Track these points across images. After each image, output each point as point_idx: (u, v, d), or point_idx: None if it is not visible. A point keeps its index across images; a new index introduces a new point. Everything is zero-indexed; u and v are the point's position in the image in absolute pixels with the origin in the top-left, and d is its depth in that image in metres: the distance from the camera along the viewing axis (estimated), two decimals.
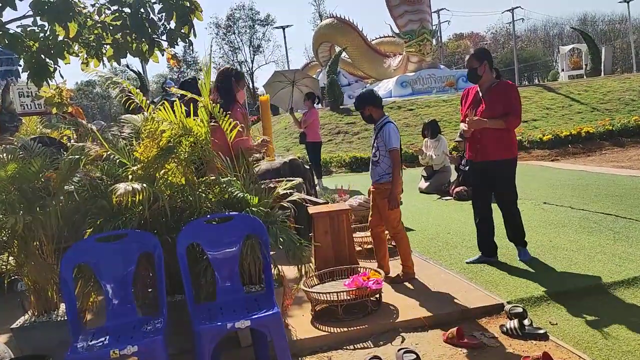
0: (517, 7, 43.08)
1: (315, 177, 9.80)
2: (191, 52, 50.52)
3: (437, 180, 8.26)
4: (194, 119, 3.33)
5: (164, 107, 3.13)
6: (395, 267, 4.40)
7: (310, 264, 3.91)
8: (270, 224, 3.23)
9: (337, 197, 7.30)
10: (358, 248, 5.15)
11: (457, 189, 7.55)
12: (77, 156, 2.96)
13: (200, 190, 3.28)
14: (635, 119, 12.47)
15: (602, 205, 6.07)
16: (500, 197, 4.43)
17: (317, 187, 9.40)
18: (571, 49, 30.13)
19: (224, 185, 3.22)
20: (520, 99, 4.25)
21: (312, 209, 4.70)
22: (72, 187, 2.96)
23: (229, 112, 3.64)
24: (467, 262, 4.49)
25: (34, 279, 2.96)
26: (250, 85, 51.18)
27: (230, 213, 3.13)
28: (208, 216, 3.10)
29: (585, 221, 5.43)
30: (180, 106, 3.16)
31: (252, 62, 52.86)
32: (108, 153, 3.09)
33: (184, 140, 3.26)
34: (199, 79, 4.07)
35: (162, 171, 3.21)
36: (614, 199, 6.36)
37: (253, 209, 3.22)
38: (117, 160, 3.10)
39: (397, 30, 22.44)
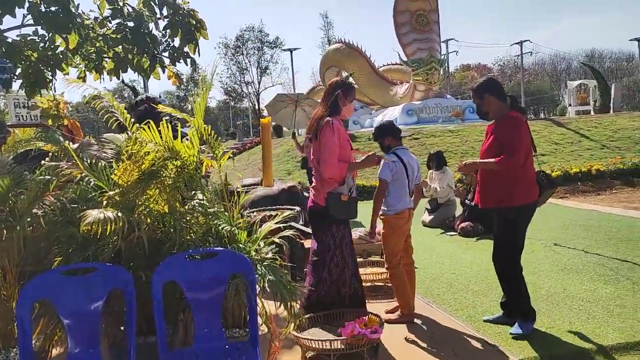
0: (525, 41, 43.14)
1: None
2: (198, 71, 50.78)
3: (442, 214, 7.93)
4: (183, 141, 3.05)
5: (149, 127, 2.84)
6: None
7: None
8: (258, 262, 2.91)
9: None
10: None
11: (463, 225, 7.21)
12: (47, 177, 2.66)
13: (185, 220, 2.97)
14: None
15: (617, 250, 5.72)
16: (494, 251, 3.76)
17: None
18: (579, 85, 30.02)
19: (210, 217, 2.92)
20: (521, 135, 3.50)
21: (307, 243, 4.38)
22: (40, 211, 2.65)
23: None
24: (484, 320, 3.89)
25: None
26: (256, 107, 51.32)
27: (215, 249, 2.82)
28: (190, 251, 2.78)
29: (601, 267, 5.08)
30: (167, 127, 2.87)
31: (259, 83, 53.03)
32: (83, 174, 2.79)
33: (170, 164, 2.96)
34: (159, 99, 3.80)
35: (144, 197, 2.90)
36: (629, 243, 6.01)
37: (240, 245, 2.91)
38: (93, 184, 2.79)
39: (405, 58, 22.37)
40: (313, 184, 3.76)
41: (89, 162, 2.81)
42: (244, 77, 52.99)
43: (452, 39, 44.31)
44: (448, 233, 7.44)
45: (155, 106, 4.11)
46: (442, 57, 27.10)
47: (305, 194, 7.01)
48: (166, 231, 2.89)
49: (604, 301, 4.14)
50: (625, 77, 52.10)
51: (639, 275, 4.74)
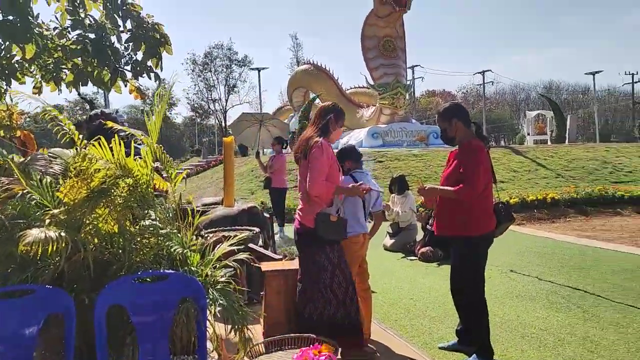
0: (487, 70, 44.48)
1: (277, 225, 9.40)
2: (165, 86, 50.19)
3: (403, 238, 7.97)
4: (136, 159, 2.95)
5: (99, 144, 2.74)
6: None
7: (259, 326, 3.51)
8: (210, 286, 2.82)
9: (296, 249, 6.91)
10: None
11: (423, 250, 7.25)
12: None
13: (135, 241, 2.85)
14: (599, 188, 12.62)
15: (570, 278, 5.85)
16: (452, 282, 3.69)
17: (278, 236, 8.99)
18: (537, 115, 31.09)
19: (162, 238, 2.82)
20: (481, 165, 3.44)
21: (264, 266, 4.29)
22: None
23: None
24: (440, 347, 3.88)
25: None
26: (223, 124, 50.95)
27: (166, 271, 2.71)
28: (139, 273, 2.67)
29: (554, 295, 5.17)
30: (120, 143, 2.77)
31: (227, 101, 52.79)
32: (25, 191, 2.65)
33: (122, 182, 2.85)
34: (118, 114, 3.71)
35: (92, 216, 2.78)
36: (581, 271, 6.15)
37: (193, 267, 2.82)
38: (35, 201, 2.66)
39: (372, 82, 22.73)
40: (300, 207, 3.72)
41: (34, 177, 2.67)
42: (211, 94, 52.66)
43: (418, 66, 45.31)
44: (408, 257, 7.47)
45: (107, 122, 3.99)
46: (408, 82, 27.64)
47: (266, 214, 6.93)
48: (114, 252, 2.76)
49: (556, 329, 4.19)
50: (580, 109, 54.33)
51: (589, 304, 4.84)
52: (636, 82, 46.06)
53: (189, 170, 26.99)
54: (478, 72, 44.75)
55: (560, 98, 56.74)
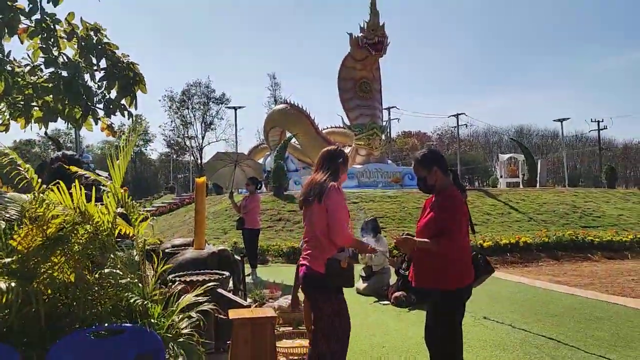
0: (461, 114, 45.72)
1: (249, 266, 9.21)
2: (141, 122, 49.98)
3: (376, 281, 7.87)
4: (98, 205, 2.84)
5: (58, 188, 2.63)
6: None
7: None
8: (171, 340, 2.68)
9: (267, 293, 6.75)
10: (283, 359, 4.57)
11: (396, 294, 7.15)
12: None
13: (92, 291, 2.71)
14: (570, 233, 12.80)
15: (543, 326, 5.80)
16: (427, 333, 3.54)
17: (250, 278, 8.81)
18: (509, 158, 31.78)
19: (121, 288, 2.69)
20: (460, 217, 3.35)
21: (232, 313, 4.14)
22: None
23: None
24: None
25: None
26: (198, 161, 50.70)
27: (123, 325, 2.57)
28: (94, 327, 2.52)
29: (527, 345, 5.11)
30: (80, 188, 2.67)
31: (203, 138, 52.79)
32: None
33: (81, 228, 2.74)
34: (83, 155, 3.61)
35: (47, 265, 2.64)
36: (553, 319, 6.13)
37: (153, 320, 2.68)
38: None
39: (348, 122, 23.02)
40: (308, 251, 3.49)
41: None
42: (187, 131, 52.65)
43: (394, 107, 46.29)
44: (381, 302, 7.36)
45: (75, 164, 3.87)
46: (384, 123, 28.10)
47: (237, 257, 6.78)
48: (69, 304, 2.62)
49: None
50: (550, 153, 55.89)
51: (562, 355, 4.79)
52: (602, 129, 47.73)
53: (163, 208, 26.59)
54: (452, 115, 45.93)
55: (531, 142, 58.38)
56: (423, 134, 66.74)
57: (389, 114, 45.18)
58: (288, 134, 24.51)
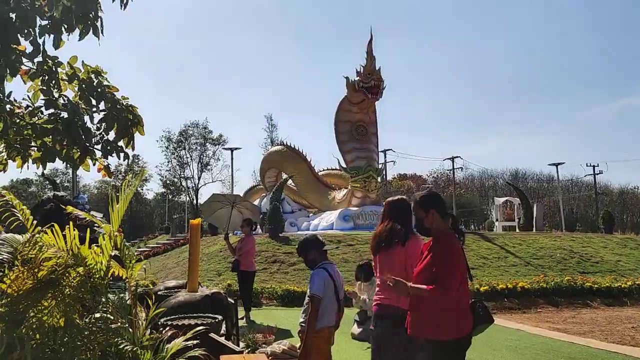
0: (457, 157, 46.01)
1: (243, 309, 9.06)
2: (138, 162, 50.26)
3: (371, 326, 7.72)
4: (93, 247, 2.82)
5: (52, 230, 2.61)
6: None
7: None
8: None
9: (260, 338, 6.62)
10: None
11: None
12: None
13: (81, 336, 2.65)
14: (568, 279, 12.69)
15: None
16: None
17: (244, 321, 8.65)
18: (505, 201, 31.85)
19: (111, 334, 2.63)
20: (457, 264, 3.25)
21: (224, 359, 4.04)
22: None
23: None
24: None
25: None
26: (194, 202, 50.61)
27: None
28: None
29: None
30: (73, 230, 2.65)
31: (199, 178, 52.89)
32: None
33: (73, 271, 2.70)
34: (79, 196, 3.59)
35: (37, 309, 2.59)
36: None
37: None
38: None
39: (344, 165, 23.12)
40: (381, 295, 3.74)
41: None
42: (184, 171, 52.81)
43: (390, 149, 46.61)
44: None
45: (63, 206, 3.86)
46: (380, 166, 28.27)
47: (230, 300, 6.67)
48: (57, 349, 2.55)
49: None
50: (546, 197, 56.07)
51: None
52: (597, 174, 48.12)
53: (157, 248, 26.35)
54: (448, 158, 46.20)
55: (527, 185, 58.65)
56: (419, 176, 67.09)
57: (385, 156, 45.51)
58: (284, 176, 24.60)
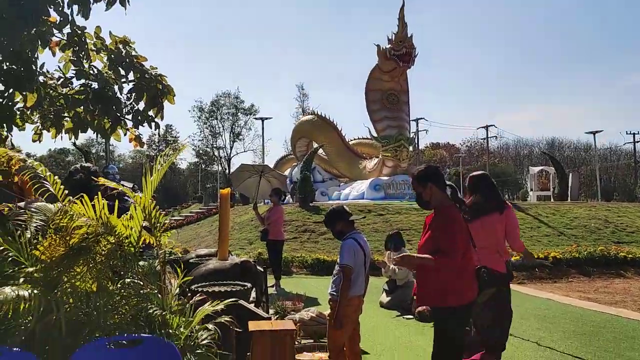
0: (491, 125, 45.16)
1: (273, 277, 9.24)
2: (171, 132, 51.02)
3: (400, 295, 7.78)
4: (122, 217, 2.90)
5: (81, 200, 2.70)
6: None
7: None
8: (189, 351, 2.70)
9: (289, 305, 6.75)
10: None
11: (420, 309, 7.02)
12: None
13: (113, 301, 2.76)
14: (601, 249, 12.42)
15: (570, 345, 5.64)
16: (433, 350, 3.51)
17: (273, 289, 8.82)
18: (540, 171, 31.19)
19: (141, 299, 2.73)
20: (458, 233, 3.33)
21: (252, 325, 4.15)
22: None
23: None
24: None
25: None
26: (226, 171, 51.24)
27: (141, 335, 2.60)
28: (114, 336, 2.56)
29: None
30: (102, 200, 2.73)
31: (231, 148, 53.42)
32: (1, 247, 2.59)
33: (103, 240, 2.79)
34: (109, 170, 3.70)
35: (70, 274, 2.70)
36: (582, 338, 5.94)
37: (170, 331, 2.71)
38: (10, 258, 2.59)
39: (375, 134, 22.97)
40: (490, 257, 4.27)
41: (13, 232, 2.61)
42: (216, 141, 53.36)
43: (422, 118, 45.96)
44: (405, 316, 7.27)
45: (94, 176, 3.97)
46: (412, 135, 27.94)
47: (260, 268, 6.79)
48: (90, 313, 2.67)
49: None
50: (583, 166, 54.51)
51: None
52: (637, 142, 46.43)
53: (190, 217, 26.95)
54: (482, 127, 45.33)
55: (563, 155, 57.06)
56: (451, 145, 66.08)
57: (417, 125, 44.92)
58: (315, 145, 24.60)
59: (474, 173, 4.95)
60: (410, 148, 24.35)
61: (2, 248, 2.56)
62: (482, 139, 52.05)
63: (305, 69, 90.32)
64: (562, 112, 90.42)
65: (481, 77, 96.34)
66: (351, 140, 26.98)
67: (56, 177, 2.85)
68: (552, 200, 25.79)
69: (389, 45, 21.92)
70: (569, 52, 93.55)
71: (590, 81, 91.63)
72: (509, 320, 4.49)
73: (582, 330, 6.34)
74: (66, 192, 2.87)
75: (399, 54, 21.64)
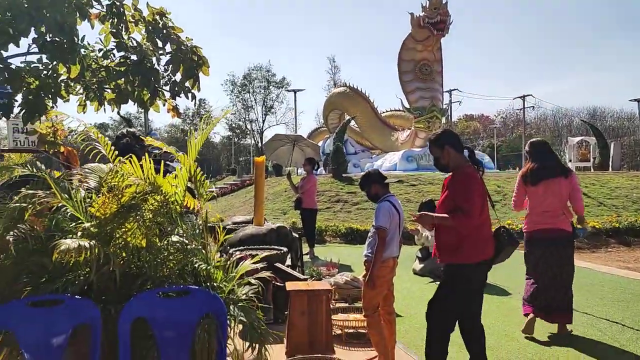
0: (528, 95, 43.95)
1: (307, 246, 9.42)
2: (204, 106, 51.58)
3: (433, 262, 7.82)
4: (169, 176, 3.05)
5: (130, 161, 2.85)
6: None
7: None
8: (232, 303, 2.85)
9: (324, 271, 6.90)
10: (338, 332, 4.70)
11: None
12: (24, 204, 2.64)
13: (161, 256, 2.92)
14: None
15: (608, 311, 5.62)
16: (428, 310, 3.66)
17: (308, 257, 9.01)
18: (580, 141, 30.32)
19: (187, 253, 2.88)
20: (474, 192, 3.39)
21: (289, 285, 4.31)
22: (11, 238, 2.62)
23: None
24: None
25: None
26: (259, 145, 51.67)
27: (189, 287, 2.77)
28: (163, 288, 2.73)
29: (590, 328, 4.98)
30: (150, 161, 2.88)
31: (264, 121, 53.71)
32: (60, 204, 2.77)
33: (151, 198, 2.95)
34: (153, 135, 3.84)
35: (122, 230, 2.87)
36: (620, 304, 5.91)
37: (215, 284, 2.86)
38: (69, 214, 2.77)
39: (407, 105, 22.71)
40: (558, 217, 4.84)
41: (69, 191, 2.79)
42: (248, 115, 53.71)
43: (455, 89, 45.08)
44: (437, 282, 7.32)
45: (139, 140, 4.14)
46: (445, 106, 27.50)
47: (295, 234, 6.96)
48: (141, 266, 2.84)
49: None
50: (626, 136, 52.58)
51: (627, 337, 4.64)
52: None
53: (225, 189, 27.44)
54: (518, 97, 44.16)
55: (605, 124, 55.08)
56: (486, 117, 64.67)
57: (450, 96, 44.14)
58: (347, 117, 24.53)
59: (534, 139, 5.24)
60: (443, 120, 24.02)
61: (61, 205, 2.74)
62: (518, 109, 50.80)
63: (337, 40, 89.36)
64: (605, 80, 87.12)
65: (519, 44, 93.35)
66: (383, 112, 26.76)
67: (107, 138, 3.01)
68: (592, 170, 25.11)
69: (423, 13, 21.46)
70: (614, 18, 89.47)
71: (636, 48, 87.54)
72: (566, 279, 4.86)
73: (620, 297, 6.30)
74: (116, 153, 3.03)
75: (433, 22, 21.18)
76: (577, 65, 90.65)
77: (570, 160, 29.60)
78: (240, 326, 2.85)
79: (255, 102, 53.09)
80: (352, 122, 23.97)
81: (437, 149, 3.57)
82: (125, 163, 2.85)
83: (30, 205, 2.64)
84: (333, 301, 5.42)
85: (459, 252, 3.40)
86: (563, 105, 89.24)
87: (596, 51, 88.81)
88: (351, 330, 4.77)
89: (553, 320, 4.82)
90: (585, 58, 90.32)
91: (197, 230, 3.21)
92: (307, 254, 9.08)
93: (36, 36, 6.13)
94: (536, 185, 4.83)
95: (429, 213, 3.57)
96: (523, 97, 44.40)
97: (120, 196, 2.80)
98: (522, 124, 49.19)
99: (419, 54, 22.18)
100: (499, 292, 6.59)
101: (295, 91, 33.83)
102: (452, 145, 3.53)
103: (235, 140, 59.46)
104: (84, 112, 7.14)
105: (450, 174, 3.58)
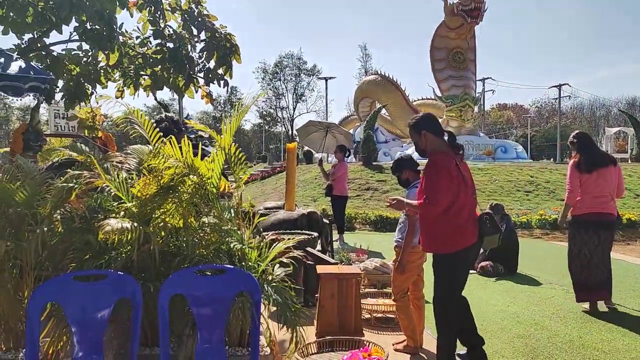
0: (564, 84, 42.75)
1: (337, 232, 9.50)
2: (235, 94, 52.02)
3: None
4: (206, 159, 3.15)
5: (170, 143, 2.96)
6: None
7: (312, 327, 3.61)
8: (266, 283, 2.95)
9: (353, 256, 6.96)
10: (367, 316, 4.77)
11: (483, 264, 7.09)
12: (70, 184, 2.78)
13: (198, 236, 3.04)
14: None
15: (639, 302, 5.54)
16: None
17: (337, 243, 9.08)
18: (617, 132, 29.47)
19: (223, 234, 2.99)
20: (442, 180, 3.26)
21: (320, 269, 4.39)
22: (59, 216, 2.77)
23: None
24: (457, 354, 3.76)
25: (3, 312, 2.73)
26: (289, 132, 51.90)
27: (225, 266, 2.87)
28: (200, 266, 2.85)
29: (621, 318, 4.91)
30: (188, 144, 2.98)
31: (294, 109, 53.84)
32: (104, 185, 2.91)
33: (188, 180, 3.06)
34: (190, 119, 3.93)
35: (160, 210, 3.00)
36: None
37: (250, 264, 2.97)
38: (112, 194, 2.90)
39: (439, 94, 22.45)
40: (608, 203, 5.16)
41: (112, 173, 2.93)
42: (279, 102, 53.95)
43: (489, 78, 44.24)
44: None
45: (177, 124, 4.26)
46: (478, 95, 27.07)
47: (325, 220, 7.03)
48: (179, 245, 2.97)
49: (620, 353, 4.00)
50: None
51: None
52: None
53: (255, 175, 27.72)
54: (554, 86, 43.07)
55: None
56: (520, 106, 63.27)
57: (484, 85, 43.33)
58: (378, 105, 24.40)
59: (577, 132, 5.56)
60: (475, 108, 23.66)
61: (105, 185, 2.88)
62: (553, 99, 49.54)
63: (369, 28, 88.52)
64: None
65: (556, 33, 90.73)
66: (415, 100, 26.53)
67: (147, 117, 3.12)
68: (629, 162, 24.37)
69: (457, 1, 21.08)
70: None
71: None
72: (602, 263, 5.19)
73: None
74: (159, 136, 3.15)
75: (467, 9, 20.78)
76: (616, 55, 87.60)
77: (607, 151, 28.81)
78: (273, 308, 2.94)
79: (287, 90, 53.26)
80: (383, 111, 23.84)
81: (415, 134, 3.52)
82: (166, 144, 2.96)
83: (76, 185, 2.77)
84: (362, 286, 5.49)
85: (439, 242, 3.41)
86: (601, 94, 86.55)
87: (637, 43, 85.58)
88: (380, 315, 4.82)
89: (599, 296, 5.22)
90: (625, 49, 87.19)
91: (232, 213, 3.32)
92: (336, 240, 9.15)
93: (77, 24, 6.34)
94: (591, 173, 5.12)
95: (401, 198, 3.53)
96: (559, 86, 43.27)
97: (160, 177, 2.91)
98: (557, 113, 47.98)
99: (452, 41, 21.85)
100: (529, 282, 6.53)
101: (326, 79, 33.80)
102: (430, 130, 3.46)
103: (266, 127, 59.83)
104: (122, 98, 7.32)
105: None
